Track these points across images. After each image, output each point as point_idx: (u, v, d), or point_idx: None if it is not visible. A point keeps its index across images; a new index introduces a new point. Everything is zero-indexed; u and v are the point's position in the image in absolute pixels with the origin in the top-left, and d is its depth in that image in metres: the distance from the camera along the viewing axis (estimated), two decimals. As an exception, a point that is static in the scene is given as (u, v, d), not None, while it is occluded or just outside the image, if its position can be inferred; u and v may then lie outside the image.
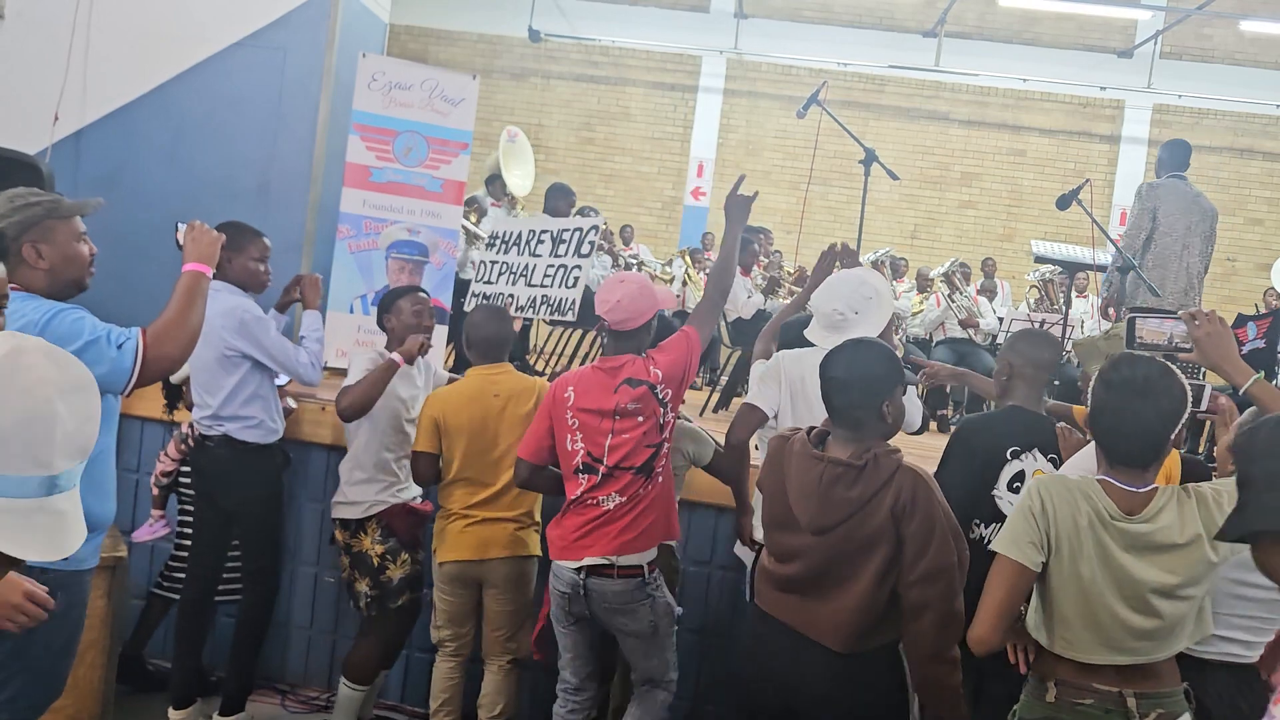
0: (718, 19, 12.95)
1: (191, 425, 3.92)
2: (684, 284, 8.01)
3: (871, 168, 4.90)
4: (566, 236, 4.78)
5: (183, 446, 3.96)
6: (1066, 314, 6.51)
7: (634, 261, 7.46)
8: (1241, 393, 2.21)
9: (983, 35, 12.73)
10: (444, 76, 5.55)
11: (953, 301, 7.75)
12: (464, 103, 5.51)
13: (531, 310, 4.79)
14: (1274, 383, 3.92)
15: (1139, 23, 12.49)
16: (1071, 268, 6.44)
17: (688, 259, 8.26)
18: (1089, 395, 2.11)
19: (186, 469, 3.98)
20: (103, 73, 4.96)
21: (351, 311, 5.43)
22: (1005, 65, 12.51)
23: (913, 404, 3.29)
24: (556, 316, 4.73)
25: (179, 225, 2.87)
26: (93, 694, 3.59)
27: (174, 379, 3.93)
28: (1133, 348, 2.33)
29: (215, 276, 3.45)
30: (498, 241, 5.19)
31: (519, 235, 5.07)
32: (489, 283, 5.11)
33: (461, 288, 5.74)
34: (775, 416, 3.27)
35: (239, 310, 3.46)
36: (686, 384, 3.09)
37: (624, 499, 2.99)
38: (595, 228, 4.75)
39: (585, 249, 4.69)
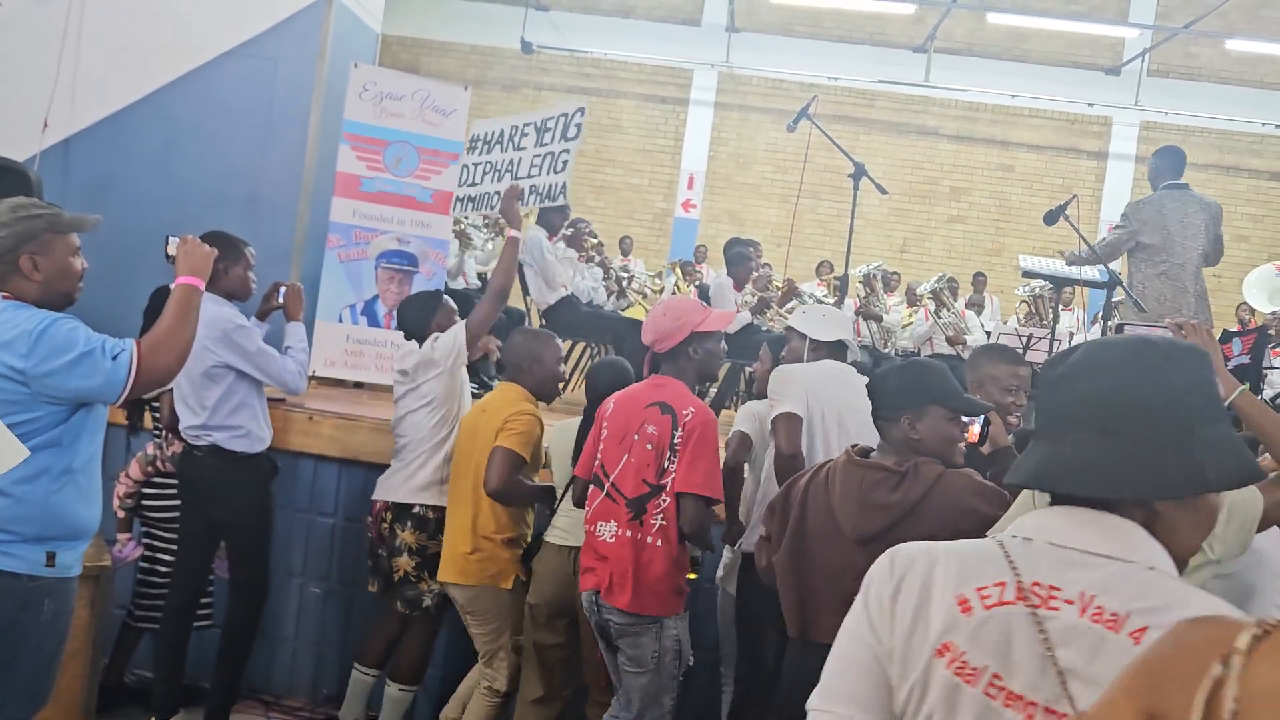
0: (709, 32, 13.01)
1: (159, 447, 3.90)
2: (674, 295, 8.02)
3: (861, 182, 4.92)
4: (551, 125, 4.59)
5: (149, 469, 3.90)
6: (1054, 328, 6.54)
7: (625, 274, 7.46)
8: (1227, 404, 2.23)
9: (972, 51, 12.82)
10: (435, 87, 5.57)
11: (939, 318, 7.78)
12: (455, 113, 5.52)
13: (521, 201, 4.52)
14: (1259, 396, 3.94)
15: (1127, 41, 12.60)
16: (1059, 282, 6.45)
17: (679, 271, 8.27)
18: None
19: (150, 490, 3.95)
20: (93, 80, 4.94)
21: (340, 321, 5.42)
22: (994, 81, 12.60)
23: None
24: (547, 202, 4.62)
25: (169, 238, 2.87)
26: (75, 705, 3.56)
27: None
28: None
29: (206, 287, 3.48)
30: (479, 143, 4.91)
31: (501, 133, 4.82)
32: (473, 184, 4.88)
33: (452, 297, 5.73)
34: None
35: (222, 320, 3.45)
36: (691, 465, 2.93)
37: (617, 536, 2.95)
38: (581, 109, 4.55)
39: (573, 132, 4.51)
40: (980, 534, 2.17)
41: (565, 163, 4.44)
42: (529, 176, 4.54)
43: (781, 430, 3.21)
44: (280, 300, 3.79)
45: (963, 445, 2.50)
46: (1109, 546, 1.15)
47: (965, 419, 2.51)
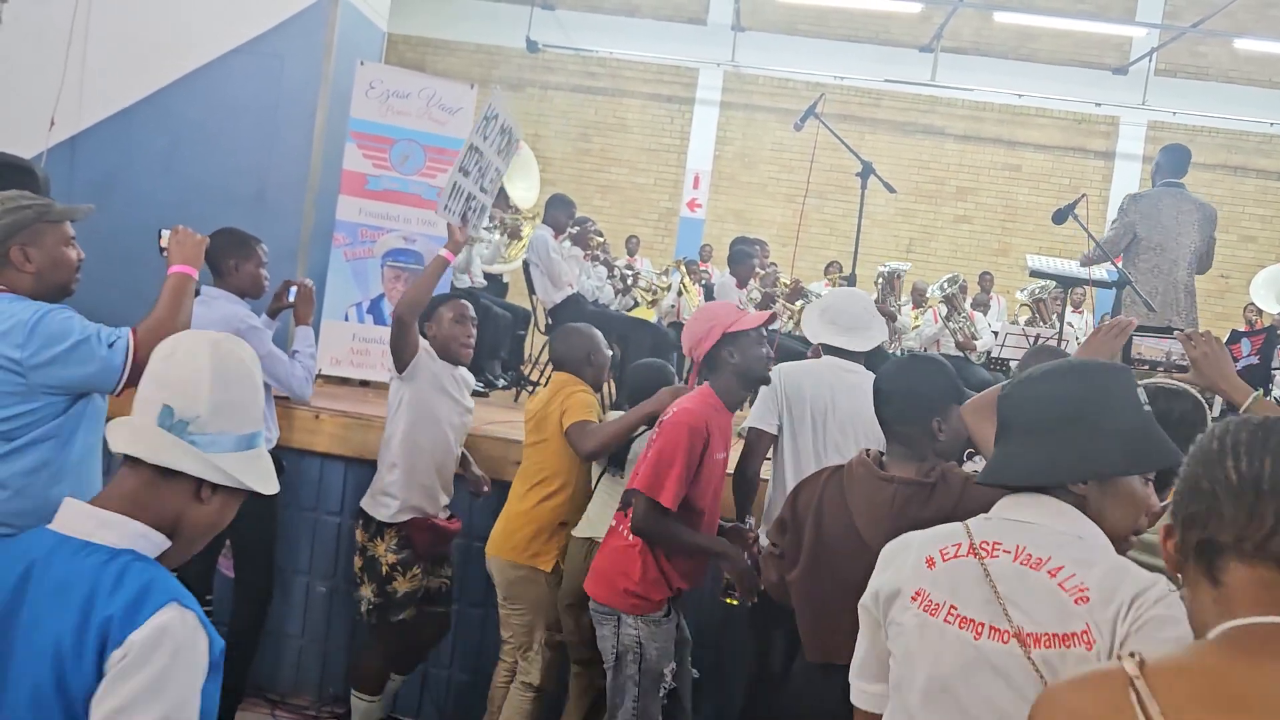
0: (715, 32, 12.99)
1: None
2: (679, 295, 8.00)
3: (868, 181, 4.90)
4: (509, 135, 4.12)
5: None
6: (1061, 328, 6.52)
7: (630, 273, 7.45)
8: (1241, 411, 2.20)
9: (979, 51, 12.79)
10: (441, 85, 5.56)
11: (949, 323, 7.75)
12: (461, 112, 5.52)
13: (473, 219, 4.10)
14: (1269, 397, 3.92)
15: (1134, 40, 12.56)
16: (1067, 282, 6.44)
17: (683, 270, 8.25)
18: None
19: None
20: (99, 78, 4.94)
21: (346, 319, 5.42)
22: (1001, 81, 12.57)
23: None
24: (475, 226, 4.19)
25: (162, 231, 2.87)
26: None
27: None
28: (1127, 363, 2.32)
29: (218, 284, 3.49)
30: (492, 118, 4.04)
31: (502, 123, 4.10)
32: (464, 171, 3.98)
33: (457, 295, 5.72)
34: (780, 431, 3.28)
35: (235, 319, 3.44)
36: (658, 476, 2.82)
37: (611, 529, 3.05)
38: (488, 107, 4.00)
39: (508, 158, 4.15)
40: None
41: (493, 182, 4.06)
42: (484, 190, 4.10)
43: (748, 449, 3.27)
44: (291, 299, 3.80)
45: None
46: (1043, 518, 1.52)
47: None
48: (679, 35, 13.00)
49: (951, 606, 1.52)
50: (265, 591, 3.80)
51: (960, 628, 1.50)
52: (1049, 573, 1.45)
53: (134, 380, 2.41)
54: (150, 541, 1.43)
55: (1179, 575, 1.12)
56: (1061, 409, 1.53)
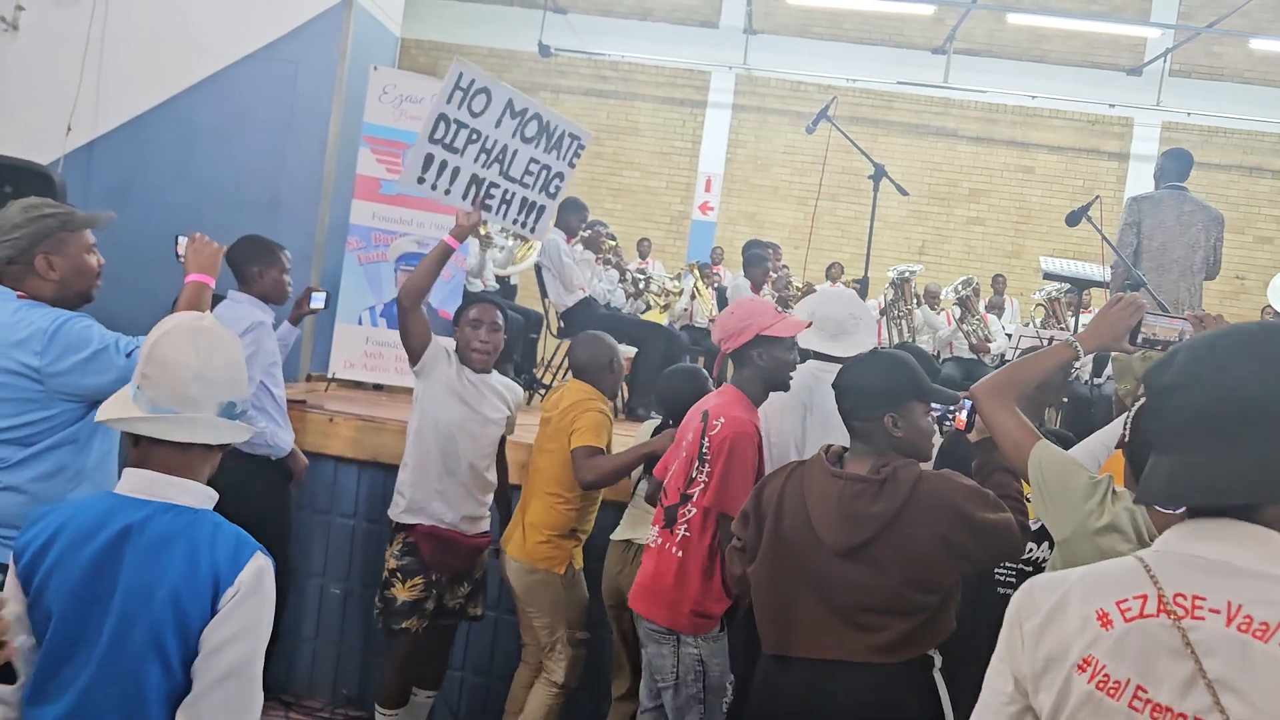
0: (727, 34, 13.00)
1: None
2: (692, 298, 8.01)
3: (880, 183, 4.90)
4: (557, 134, 3.98)
5: None
6: (1076, 330, 6.49)
7: (641, 276, 7.46)
8: None
9: (991, 52, 12.75)
10: (454, 90, 5.58)
11: (963, 325, 7.72)
12: (474, 116, 5.53)
13: (502, 214, 3.97)
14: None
15: (1148, 40, 12.50)
16: (1080, 284, 6.41)
17: (696, 273, 8.25)
18: (1130, 414, 2.04)
19: None
20: (115, 84, 4.98)
21: (360, 323, 5.45)
22: (1014, 82, 12.52)
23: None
24: (521, 230, 4.09)
25: (178, 238, 2.89)
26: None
27: None
28: (1134, 343, 2.30)
29: (242, 289, 3.53)
30: (466, 94, 3.74)
31: (502, 103, 3.81)
32: (450, 147, 3.73)
33: (470, 299, 5.74)
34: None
35: (254, 323, 3.47)
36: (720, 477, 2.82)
37: (653, 543, 2.96)
38: (583, 141, 4.06)
39: (570, 157, 4.05)
40: (969, 537, 2.16)
41: (558, 188, 4.02)
42: (519, 181, 3.94)
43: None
44: (312, 306, 3.86)
45: (937, 437, 2.47)
46: (1252, 556, 1.11)
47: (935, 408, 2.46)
48: (691, 38, 13.01)
49: (1139, 688, 1.10)
50: (279, 594, 3.80)
51: (1153, 717, 1.09)
52: None
53: None
54: (210, 498, 1.77)
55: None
56: (1269, 402, 1.12)
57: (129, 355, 2.36)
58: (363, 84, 5.43)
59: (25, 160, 3.88)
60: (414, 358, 3.44)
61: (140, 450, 1.73)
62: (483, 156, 3.79)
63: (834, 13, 12.72)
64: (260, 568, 1.69)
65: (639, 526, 3.46)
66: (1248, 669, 1.04)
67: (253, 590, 1.66)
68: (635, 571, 3.36)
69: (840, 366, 3.24)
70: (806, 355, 3.30)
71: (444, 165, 3.72)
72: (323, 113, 5.55)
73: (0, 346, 2.31)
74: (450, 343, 3.58)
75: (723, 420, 2.81)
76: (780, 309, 3.34)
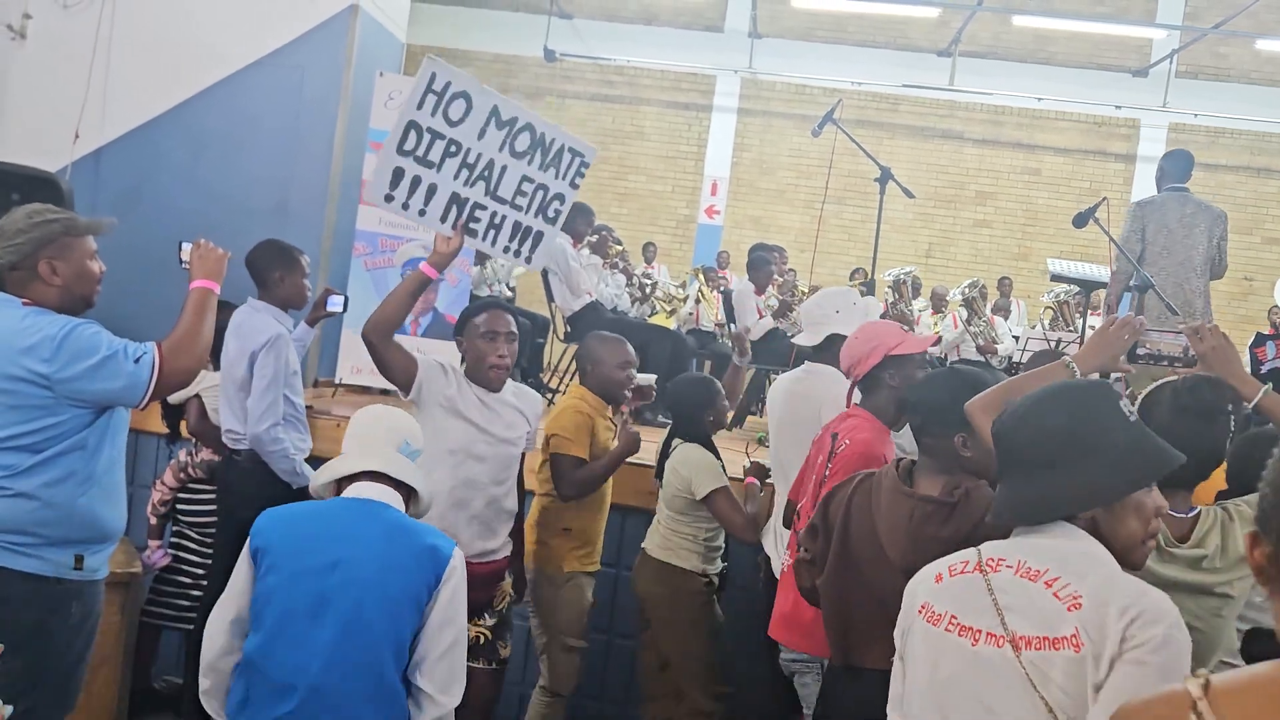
0: (732, 38, 13.00)
1: (190, 453, 3.94)
2: (697, 302, 8.01)
3: (886, 186, 4.89)
4: (556, 149, 3.40)
5: (181, 475, 3.96)
6: (1083, 332, 6.47)
7: (648, 281, 7.46)
8: (1251, 406, 2.19)
9: (997, 54, 12.73)
10: (460, 95, 5.57)
11: (970, 326, 7.70)
12: (480, 121, 5.52)
13: (490, 240, 3.39)
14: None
15: (1154, 42, 12.47)
16: (1088, 286, 6.40)
17: (702, 277, 8.25)
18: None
19: (184, 495, 4.00)
20: (123, 92, 5.01)
21: (367, 329, 5.44)
22: (1020, 84, 12.50)
23: None
24: (513, 260, 3.54)
25: (182, 245, 2.89)
26: (107, 711, 3.59)
27: (173, 399, 3.92)
28: (1134, 360, 2.30)
29: (263, 296, 3.54)
30: (442, 99, 3.19)
31: (487, 110, 3.26)
32: (425, 161, 3.18)
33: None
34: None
35: (274, 334, 3.49)
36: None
37: (787, 566, 2.86)
38: (587, 158, 3.48)
39: (572, 176, 3.47)
40: None
41: (558, 212, 3.45)
42: (510, 203, 3.35)
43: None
44: (330, 309, 3.88)
45: None
46: (1051, 537, 1.61)
47: None
48: (696, 43, 13.01)
49: (953, 616, 1.62)
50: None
51: (960, 635, 1.60)
52: (1045, 583, 1.54)
53: (159, 395, 2.44)
54: (401, 503, 2.29)
55: (1266, 585, 1.04)
56: (1053, 443, 1.60)
57: (137, 361, 2.36)
58: (369, 90, 5.44)
59: (33, 168, 3.89)
60: (403, 388, 3.05)
61: None
62: (464, 173, 3.23)
63: (839, 16, 12.72)
64: (460, 560, 2.26)
65: (652, 538, 3.48)
66: (1022, 598, 1.55)
67: (454, 574, 2.24)
68: (645, 579, 3.41)
69: (816, 367, 3.32)
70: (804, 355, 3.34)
71: (417, 181, 3.17)
72: (329, 119, 5.56)
73: (8, 353, 2.31)
74: (443, 355, 3.34)
75: (848, 443, 2.75)
76: (904, 328, 3.31)
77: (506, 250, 3.43)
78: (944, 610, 1.63)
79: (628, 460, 3.41)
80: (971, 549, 1.68)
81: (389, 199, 3.17)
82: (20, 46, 4.70)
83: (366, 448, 2.30)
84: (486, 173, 3.28)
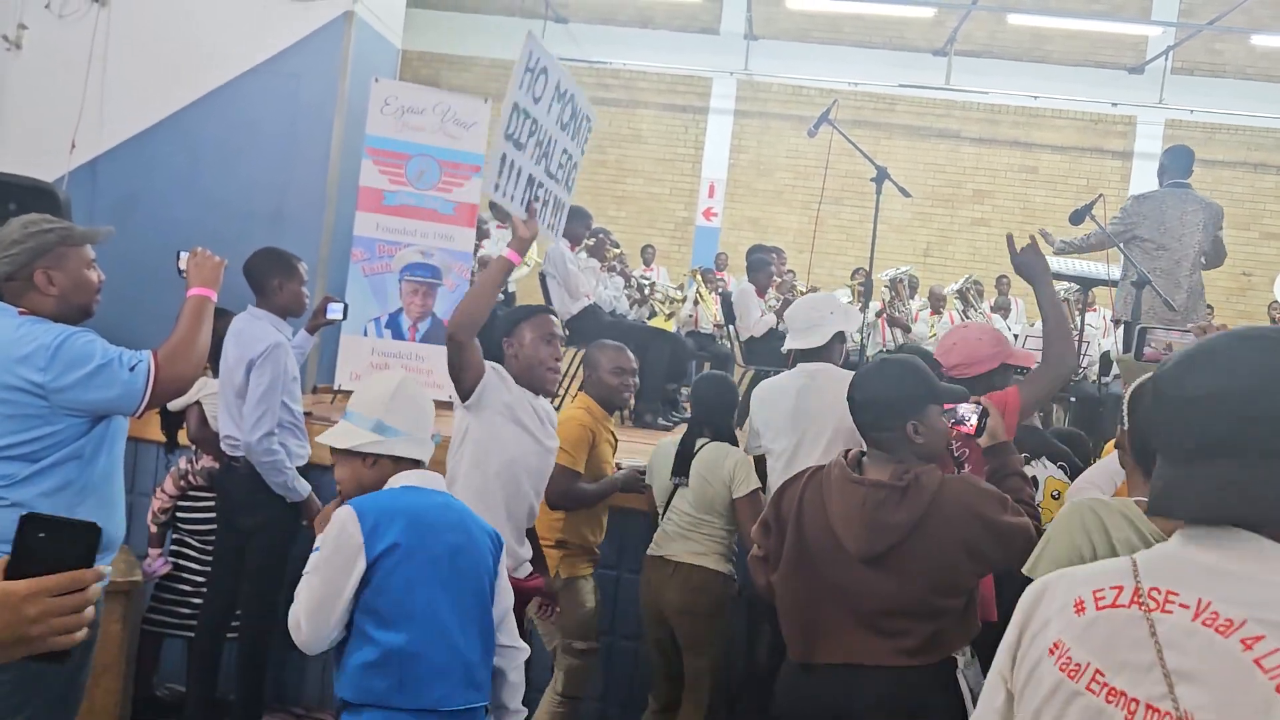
0: (728, 40, 13.02)
1: (190, 460, 3.93)
2: (695, 304, 8.01)
3: (883, 186, 4.89)
4: (579, 113, 3.47)
5: (181, 482, 3.95)
6: (1082, 329, 6.47)
7: (646, 282, 7.46)
8: None
9: (993, 53, 12.75)
10: (456, 100, 5.60)
11: (966, 319, 7.71)
12: (476, 126, 5.55)
13: (543, 218, 3.41)
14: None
15: (1150, 39, 12.49)
16: (1085, 283, 6.39)
17: (700, 279, 8.26)
18: (1127, 412, 2.00)
19: (184, 503, 3.99)
20: (119, 100, 5.01)
21: (365, 334, 5.45)
22: (1016, 83, 12.52)
23: None
24: (550, 230, 3.54)
25: (180, 253, 2.89)
26: (109, 719, 3.59)
27: (173, 406, 3.92)
28: (1140, 360, 2.31)
29: (261, 304, 3.54)
30: (535, 68, 3.30)
31: (557, 85, 3.36)
32: (519, 144, 3.27)
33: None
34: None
35: (273, 342, 3.48)
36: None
37: None
38: (591, 118, 3.62)
39: (584, 144, 3.60)
40: (989, 540, 2.18)
41: (573, 180, 3.53)
42: (554, 176, 3.47)
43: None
44: (329, 317, 3.88)
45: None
46: (1244, 562, 1.09)
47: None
48: (692, 45, 13.03)
49: (1098, 671, 1.13)
50: (281, 601, 3.79)
51: (1106, 701, 1.11)
52: (1243, 642, 1.04)
53: (155, 403, 2.44)
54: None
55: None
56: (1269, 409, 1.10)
57: (132, 369, 2.36)
58: (364, 96, 5.44)
59: (30, 178, 3.89)
60: (465, 392, 2.86)
61: None
62: (536, 150, 3.27)
63: (834, 16, 12.74)
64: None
65: (673, 543, 3.43)
66: (1205, 661, 1.05)
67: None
68: (675, 586, 3.36)
69: (822, 366, 3.31)
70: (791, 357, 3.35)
71: (512, 166, 3.21)
72: (325, 125, 5.57)
73: (4, 363, 2.31)
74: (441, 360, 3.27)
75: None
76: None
77: (549, 226, 3.44)
78: (1084, 660, 1.14)
79: (628, 460, 3.41)
80: (1123, 564, 1.18)
81: (496, 188, 3.20)
82: (16, 57, 4.71)
83: (418, 436, 2.38)
84: (549, 149, 3.34)
